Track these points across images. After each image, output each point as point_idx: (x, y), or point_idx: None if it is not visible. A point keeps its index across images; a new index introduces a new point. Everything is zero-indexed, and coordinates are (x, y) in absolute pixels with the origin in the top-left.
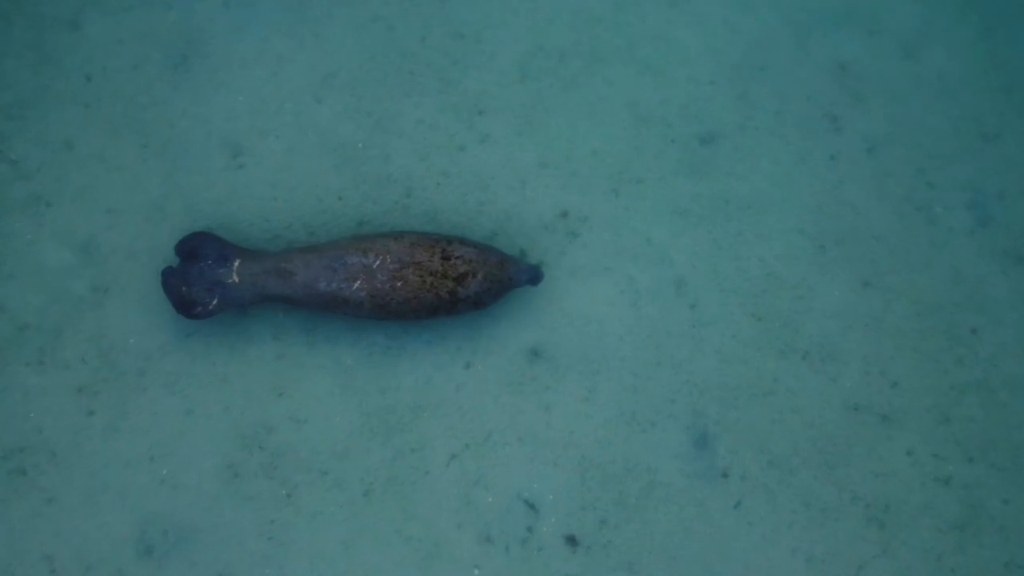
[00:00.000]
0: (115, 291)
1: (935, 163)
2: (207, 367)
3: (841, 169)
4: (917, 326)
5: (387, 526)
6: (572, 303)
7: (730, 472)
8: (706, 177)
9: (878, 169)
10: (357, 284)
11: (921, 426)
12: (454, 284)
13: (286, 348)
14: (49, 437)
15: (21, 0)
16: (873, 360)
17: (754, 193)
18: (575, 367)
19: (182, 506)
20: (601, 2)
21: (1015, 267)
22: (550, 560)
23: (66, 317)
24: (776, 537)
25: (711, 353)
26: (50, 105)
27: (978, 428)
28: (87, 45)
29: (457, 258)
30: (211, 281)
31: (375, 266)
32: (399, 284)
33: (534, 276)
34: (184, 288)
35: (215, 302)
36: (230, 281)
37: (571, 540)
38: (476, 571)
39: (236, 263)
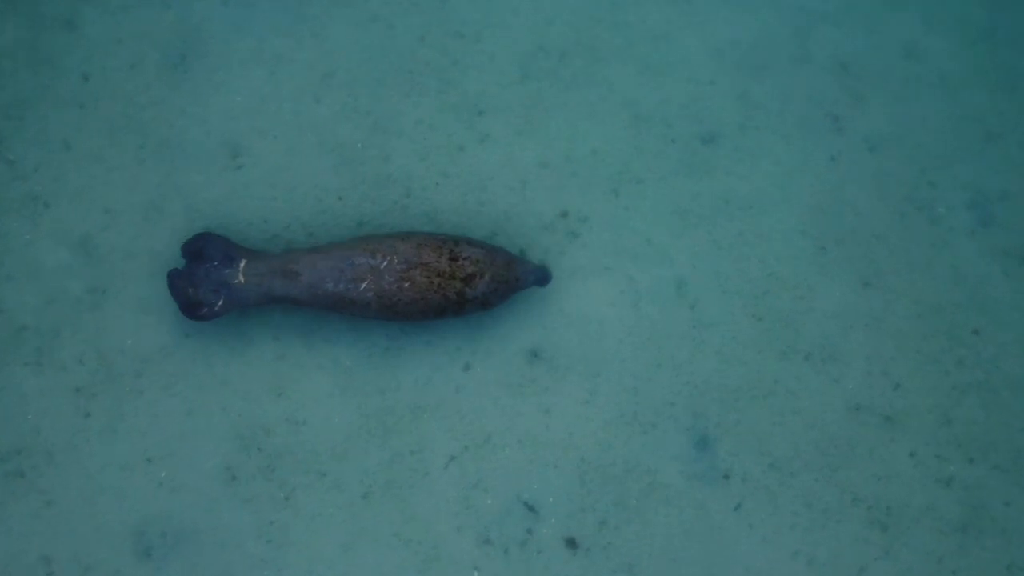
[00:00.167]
0: (113, 292)
1: (936, 163)
2: (205, 368)
3: (842, 169)
4: (918, 327)
5: (386, 528)
6: (572, 304)
7: (731, 474)
8: (706, 177)
9: (879, 169)
10: (364, 285)
11: (923, 427)
12: (461, 285)
13: (285, 349)
14: (47, 439)
15: None
16: (874, 361)
17: (755, 193)
18: (575, 368)
19: (180, 508)
20: (601, 2)
21: (1017, 267)
22: (550, 562)
23: (64, 318)
24: (777, 539)
25: (712, 354)
26: (48, 105)
27: (980, 429)
28: (85, 45)
29: (465, 259)
30: (217, 282)
31: (382, 267)
32: (406, 285)
33: (542, 277)
34: (190, 289)
35: (221, 303)
36: (236, 282)
37: (571, 542)
38: (475, 573)
39: (242, 264)
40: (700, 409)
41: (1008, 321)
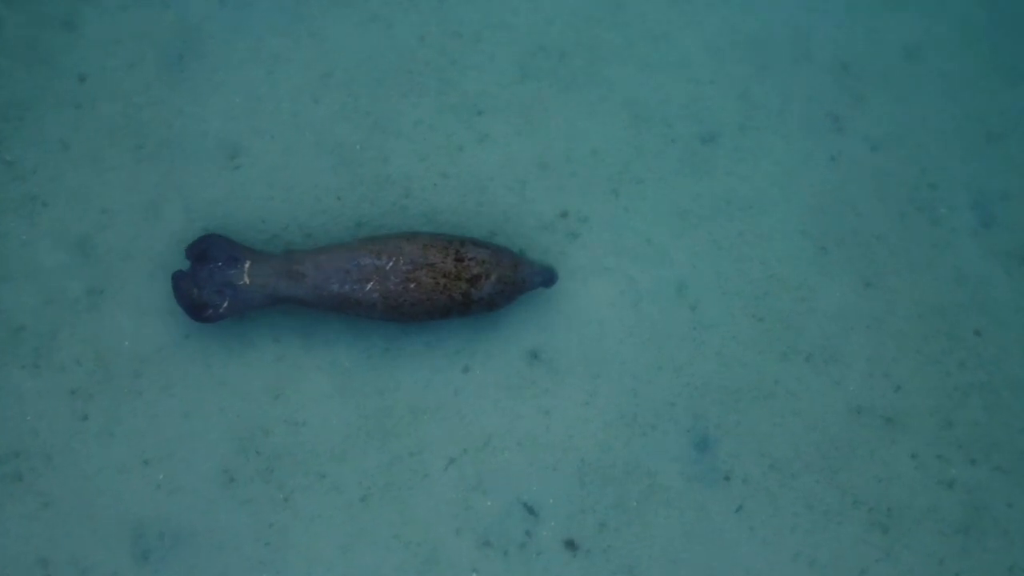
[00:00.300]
0: (110, 293)
1: (938, 163)
2: (203, 369)
3: (843, 169)
4: (920, 328)
5: (385, 530)
6: (572, 305)
7: (731, 476)
8: (707, 177)
9: (880, 169)
10: (370, 286)
11: (924, 429)
12: (467, 286)
13: (283, 350)
14: (44, 440)
15: None
16: (876, 362)
17: (755, 193)
18: (575, 370)
19: (179, 510)
20: (601, 2)
21: (1019, 268)
22: (549, 564)
23: (61, 319)
24: (778, 541)
25: (712, 355)
26: (46, 105)
27: (982, 431)
28: (83, 45)
29: (470, 259)
30: (221, 283)
31: (388, 268)
32: (412, 286)
33: (548, 278)
34: (195, 291)
35: (226, 304)
36: (241, 283)
37: (571, 544)
38: (475, 575)
39: (247, 265)
40: (700, 410)
41: (1010, 322)
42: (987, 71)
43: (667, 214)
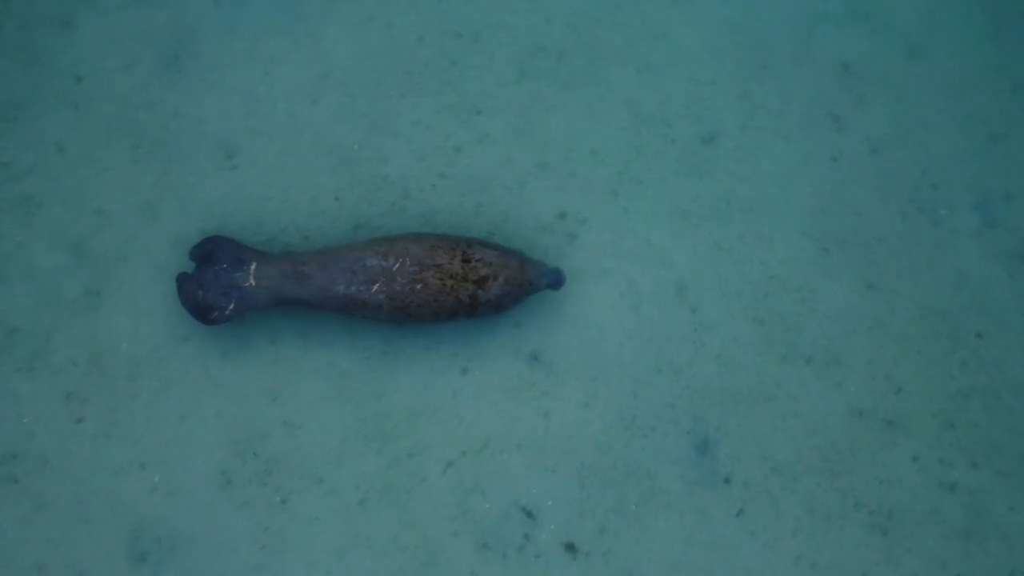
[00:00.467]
0: (107, 294)
1: (939, 164)
2: (200, 372)
3: (844, 170)
4: (922, 330)
5: (383, 534)
6: (571, 306)
7: (732, 479)
8: (707, 178)
9: (882, 170)
10: (376, 287)
11: (926, 431)
12: (474, 287)
13: (281, 352)
14: (40, 443)
15: None
16: (877, 364)
17: (756, 194)
18: (574, 372)
19: (175, 513)
20: (600, 1)
21: (1021, 270)
22: (548, 568)
23: (57, 321)
24: (779, 545)
25: (712, 357)
26: (41, 106)
27: (983, 433)
28: (79, 45)
29: (477, 261)
30: (227, 285)
31: (394, 269)
32: (419, 287)
33: (556, 280)
34: (200, 293)
35: (231, 306)
36: (247, 285)
37: (570, 547)
38: None
39: (252, 266)
40: (701, 413)
41: (1012, 324)
42: (989, 71)
43: (667, 215)
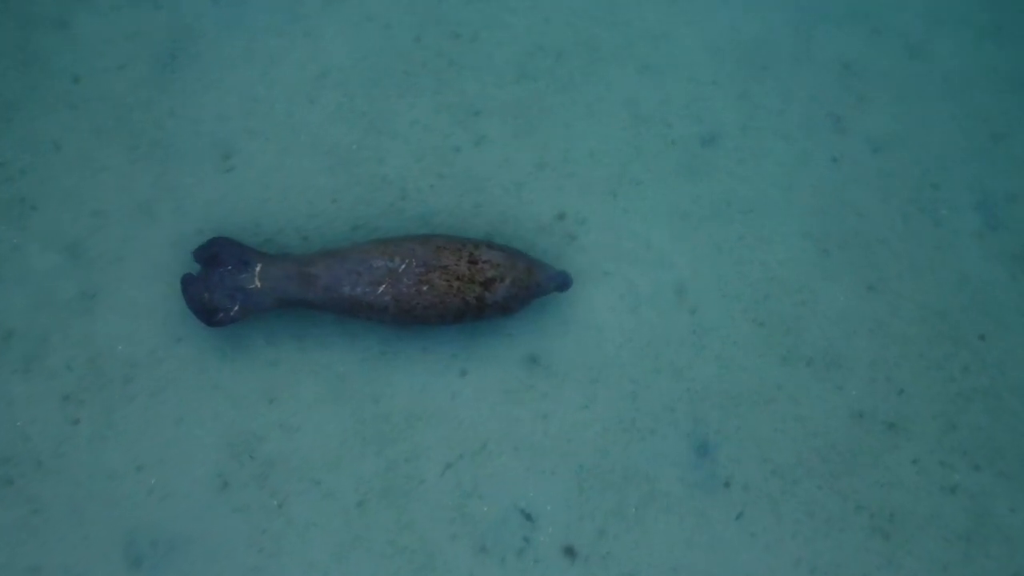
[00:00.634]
0: (103, 296)
1: (941, 164)
2: (197, 374)
3: (845, 170)
4: (923, 332)
5: (381, 537)
6: (570, 308)
7: (732, 481)
8: (707, 178)
9: (883, 170)
10: (382, 288)
11: (927, 434)
12: (481, 289)
13: (278, 354)
14: (36, 446)
15: None
16: (878, 367)
17: (756, 195)
18: (573, 374)
19: (171, 516)
20: (599, 1)
21: (1023, 271)
22: (547, 571)
23: (53, 323)
24: (779, 548)
25: (712, 360)
26: (38, 106)
27: (985, 436)
28: (75, 45)
29: (484, 262)
30: (232, 287)
31: (400, 270)
32: (425, 288)
33: (563, 282)
34: (205, 295)
35: (237, 308)
36: (252, 287)
37: (569, 551)
38: None
39: (258, 268)
40: (700, 415)
41: (1014, 326)
42: (990, 70)
43: (666, 216)
